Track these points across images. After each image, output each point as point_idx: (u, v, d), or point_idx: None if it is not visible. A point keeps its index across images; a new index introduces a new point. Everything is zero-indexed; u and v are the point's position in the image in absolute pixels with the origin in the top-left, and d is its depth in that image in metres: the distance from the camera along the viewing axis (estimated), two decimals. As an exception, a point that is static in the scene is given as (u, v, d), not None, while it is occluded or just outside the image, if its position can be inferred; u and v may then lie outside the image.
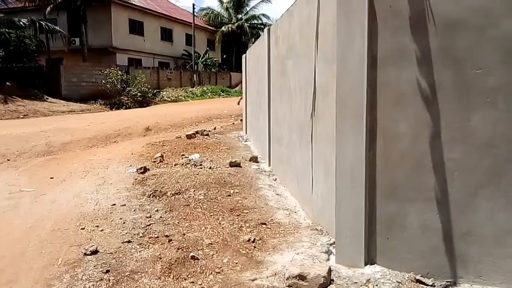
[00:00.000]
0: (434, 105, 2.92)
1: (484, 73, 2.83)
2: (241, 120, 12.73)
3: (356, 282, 2.96)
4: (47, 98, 21.04)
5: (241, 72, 13.57)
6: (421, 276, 2.96)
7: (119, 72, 23.80)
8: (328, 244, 3.55)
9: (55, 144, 10.26)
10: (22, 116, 17.61)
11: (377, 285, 2.90)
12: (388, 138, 3.05)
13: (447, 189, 2.94)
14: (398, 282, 2.93)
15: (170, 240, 3.81)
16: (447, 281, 2.97)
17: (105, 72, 23.00)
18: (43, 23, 22.72)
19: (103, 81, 22.70)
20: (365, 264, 3.14)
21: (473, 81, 2.85)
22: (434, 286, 2.93)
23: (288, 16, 5.37)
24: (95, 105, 22.19)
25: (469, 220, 2.93)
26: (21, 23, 21.53)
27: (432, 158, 2.95)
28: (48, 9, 25.04)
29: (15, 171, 7.39)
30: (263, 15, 42.74)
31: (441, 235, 2.98)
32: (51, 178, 6.61)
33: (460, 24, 2.84)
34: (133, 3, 30.10)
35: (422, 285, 2.91)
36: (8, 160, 8.71)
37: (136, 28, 30.69)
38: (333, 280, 2.98)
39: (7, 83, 19.98)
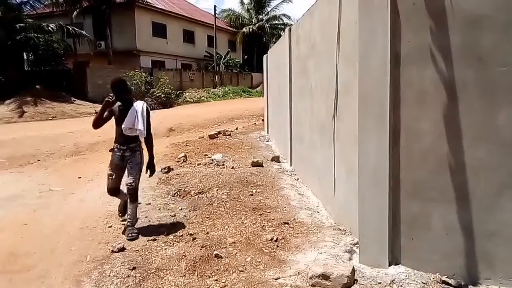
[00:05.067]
0: (458, 103, 2.87)
1: (509, 70, 2.76)
2: (263, 120, 12.76)
3: (380, 283, 2.94)
4: (74, 100, 21.61)
5: (262, 72, 13.58)
6: (447, 277, 2.91)
7: (143, 74, 24.22)
8: (351, 244, 3.54)
9: (83, 145, 10.55)
10: (50, 118, 18.17)
11: (401, 286, 2.88)
12: (411, 137, 3.02)
13: (472, 188, 2.88)
14: (423, 283, 2.89)
15: (194, 239, 3.88)
16: (474, 282, 2.92)
17: (130, 74, 23.43)
18: (70, 28, 23.32)
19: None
20: (389, 265, 3.12)
21: (498, 79, 2.79)
22: (461, 287, 2.88)
23: (309, 16, 5.36)
24: (120, 107, 22.63)
25: (495, 220, 2.86)
26: (49, 28, 22.19)
27: (456, 157, 2.90)
28: (75, 13, 25.67)
29: (45, 171, 7.66)
30: (284, 15, 42.59)
31: (466, 235, 2.93)
32: (79, 177, 6.82)
33: (485, 20, 2.78)
34: (156, 6, 30.55)
35: (448, 287, 2.86)
36: (38, 160, 9.02)
37: (159, 30, 31.10)
38: (356, 280, 2.97)
39: (37, 86, 20.65)
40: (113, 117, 4.11)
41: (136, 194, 4.14)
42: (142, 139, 4.20)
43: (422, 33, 2.94)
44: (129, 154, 4.11)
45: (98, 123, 4.09)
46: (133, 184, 4.07)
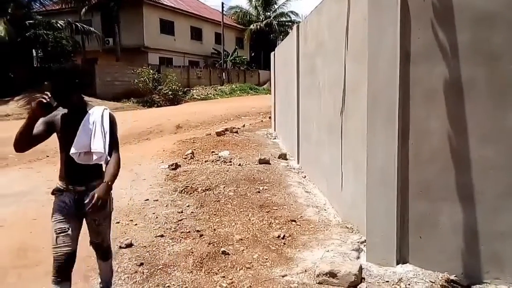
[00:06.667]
0: (468, 102, 2.84)
1: (522, 68, 2.73)
2: (270, 117, 12.75)
3: (387, 281, 2.93)
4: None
5: (269, 69, 13.56)
6: (455, 277, 2.89)
7: (151, 71, 24.31)
8: (358, 242, 3.53)
9: (91, 141, 10.61)
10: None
11: (409, 285, 2.87)
12: (420, 136, 3.00)
13: (481, 188, 2.86)
14: (431, 282, 2.88)
15: (201, 235, 3.90)
16: (482, 282, 2.90)
17: (137, 71, 23.56)
18: (79, 25, 23.48)
19: (136, 80, 23.27)
20: (397, 263, 3.11)
21: (508, 77, 2.76)
22: (469, 287, 2.86)
23: (317, 13, 5.33)
24: (128, 103, 22.75)
25: (504, 220, 2.84)
26: (58, 24, 22.35)
27: (465, 157, 2.87)
28: (83, 10, 25.81)
29: (54, 167, 7.69)
30: (292, 12, 42.44)
31: (475, 235, 2.91)
32: (87, 174, 6.85)
33: (496, 17, 2.75)
34: (164, 3, 30.61)
35: (456, 286, 2.85)
36: (47, 156, 9.08)
37: (167, 27, 31.17)
38: (364, 278, 2.96)
39: (45, 83, 20.81)
40: (55, 133, 2.44)
41: (111, 250, 2.80)
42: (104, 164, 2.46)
43: (432, 30, 2.91)
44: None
45: (22, 142, 2.29)
46: (104, 244, 2.68)
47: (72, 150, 2.34)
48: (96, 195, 2.24)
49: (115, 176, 2.40)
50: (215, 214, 4.48)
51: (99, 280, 2.84)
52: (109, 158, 2.41)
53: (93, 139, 2.36)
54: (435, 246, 3.02)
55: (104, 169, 2.46)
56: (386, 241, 3.12)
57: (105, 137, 2.40)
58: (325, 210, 4.62)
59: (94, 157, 2.38)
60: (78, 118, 2.40)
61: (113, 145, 2.46)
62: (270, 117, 12.74)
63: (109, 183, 2.34)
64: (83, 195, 2.39)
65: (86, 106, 2.49)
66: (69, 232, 2.39)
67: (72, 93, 2.35)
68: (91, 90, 22.68)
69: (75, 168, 2.40)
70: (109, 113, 2.49)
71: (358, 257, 3.31)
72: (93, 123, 2.40)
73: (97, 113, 2.45)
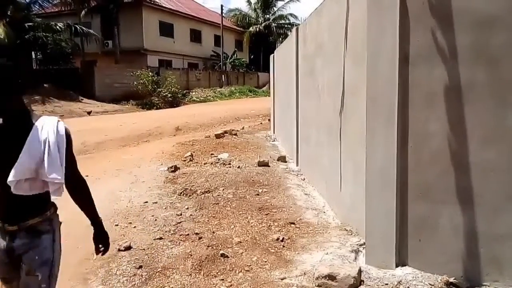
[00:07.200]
0: (468, 104, 2.84)
1: (521, 70, 2.73)
2: (269, 119, 12.75)
3: (387, 284, 2.92)
4: (82, 99, 21.78)
5: (268, 72, 13.59)
6: (454, 279, 2.88)
7: (150, 73, 24.35)
8: (358, 244, 3.52)
9: (90, 143, 10.59)
10: (58, 117, 18.22)
11: (408, 287, 2.86)
12: (420, 138, 3.00)
13: (481, 190, 2.85)
14: (430, 284, 2.87)
15: (200, 238, 3.88)
16: (482, 285, 2.88)
17: (137, 73, 23.58)
18: (78, 27, 23.50)
19: (135, 82, 23.28)
20: (396, 266, 3.10)
21: (508, 78, 2.76)
22: (468, 289, 2.86)
23: (317, 15, 5.34)
24: (127, 106, 22.78)
25: (504, 222, 2.83)
26: (58, 27, 22.37)
27: (465, 159, 2.87)
28: (83, 13, 25.84)
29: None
30: (291, 14, 42.54)
31: (474, 237, 2.90)
32: (86, 176, 6.77)
33: (496, 21, 2.75)
34: (164, 5, 30.65)
35: (456, 288, 2.84)
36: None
37: (166, 30, 31.21)
38: (363, 281, 2.95)
39: (45, 85, 20.83)
40: None
41: None
42: (59, 194, 1.82)
43: (431, 33, 2.91)
44: (26, 242, 1.82)
45: None
46: None
47: (11, 177, 1.67)
48: (108, 240, 2.09)
49: (94, 206, 2.09)
50: (214, 217, 4.47)
51: None
52: (60, 193, 1.81)
53: (48, 164, 1.72)
54: (434, 249, 3.01)
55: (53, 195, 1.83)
56: (385, 243, 3.11)
57: (62, 158, 1.79)
58: (324, 212, 4.61)
59: (52, 188, 1.77)
60: (19, 131, 1.75)
61: (72, 166, 1.93)
62: (269, 120, 12.73)
63: (99, 218, 2.09)
64: (14, 237, 1.80)
65: (30, 115, 1.83)
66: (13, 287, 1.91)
67: (9, 97, 1.74)
68: (90, 92, 22.75)
69: (8, 200, 1.74)
70: (65, 128, 1.88)
71: (357, 260, 3.30)
72: (45, 142, 1.75)
73: (49, 127, 1.80)
